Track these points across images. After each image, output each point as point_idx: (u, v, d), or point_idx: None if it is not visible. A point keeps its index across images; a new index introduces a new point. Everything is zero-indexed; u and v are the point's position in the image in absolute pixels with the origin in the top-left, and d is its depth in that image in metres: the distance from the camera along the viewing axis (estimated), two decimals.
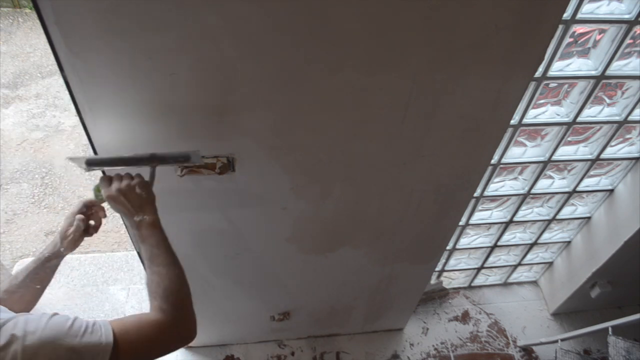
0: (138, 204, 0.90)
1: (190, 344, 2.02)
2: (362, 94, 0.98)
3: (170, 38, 0.82)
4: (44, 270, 0.98)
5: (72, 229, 0.99)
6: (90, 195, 1.17)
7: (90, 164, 0.94)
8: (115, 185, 0.90)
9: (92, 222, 1.04)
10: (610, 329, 1.70)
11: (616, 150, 1.66)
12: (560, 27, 1.18)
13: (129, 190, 0.90)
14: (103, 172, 1.02)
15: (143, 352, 0.80)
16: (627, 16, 1.19)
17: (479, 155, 1.22)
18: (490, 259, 2.16)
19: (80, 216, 1.00)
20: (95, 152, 1.03)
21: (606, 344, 1.71)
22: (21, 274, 0.97)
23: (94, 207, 1.04)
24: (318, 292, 1.75)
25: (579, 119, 1.46)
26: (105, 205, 0.98)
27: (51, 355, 0.69)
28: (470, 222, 1.88)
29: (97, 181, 0.95)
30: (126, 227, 1.09)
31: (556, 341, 1.91)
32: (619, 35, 1.24)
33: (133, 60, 0.85)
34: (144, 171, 0.97)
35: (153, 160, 0.96)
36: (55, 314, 0.75)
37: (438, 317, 2.26)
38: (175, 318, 0.85)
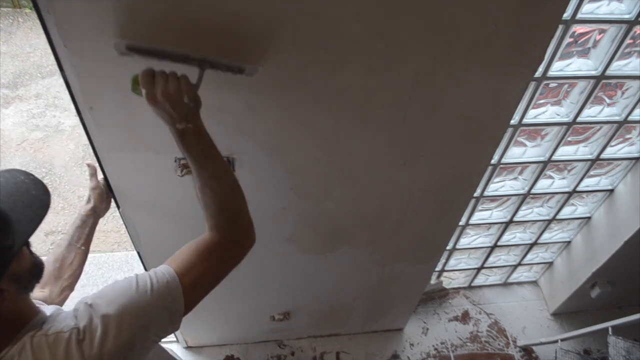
0: (183, 114, 0.77)
1: (190, 344, 2.02)
2: (362, 93, 0.98)
3: (171, 38, 0.82)
4: (83, 230, 1.06)
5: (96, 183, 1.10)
6: None
7: (131, 49, 0.78)
8: (160, 87, 0.74)
9: None
10: (610, 329, 1.70)
11: (616, 150, 1.66)
12: (560, 27, 1.18)
13: (177, 97, 0.75)
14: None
15: (210, 275, 0.80)
16: (627, 16, 1.19)
17: (479, 155, 1.22)
18: (490, 259, 2.16)
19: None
20: (95, 152, 1.03)
21: (606, 344, 1.71)
22: (63, 240, 1.04)
23: None
24: (318, 292, 1.75)
25: (579, 119, 1.46)
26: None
27: (134, 320, 0.69)
28: (470, 222, 1.88)
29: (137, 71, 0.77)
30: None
31: (556, 341, 1.91)
32: (619, 35, 1.24)
33: (133, 60, 0.85)
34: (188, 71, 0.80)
35: (204, 61, 0.81)
36: (116, 281, 0.75)
37: (438, 317, 2.26)
38: (234, 232, 0.83)
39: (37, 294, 0.95)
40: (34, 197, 0.69)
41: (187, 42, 0.81)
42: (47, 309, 0.75)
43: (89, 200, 1.11)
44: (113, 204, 1.19)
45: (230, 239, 0.82)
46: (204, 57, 0.80)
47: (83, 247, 1.05)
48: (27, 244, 0.70)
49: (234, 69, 0.84)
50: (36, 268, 0.71)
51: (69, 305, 1.01)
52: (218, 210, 0.82)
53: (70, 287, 1.04)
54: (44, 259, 0.75)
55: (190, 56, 0.80)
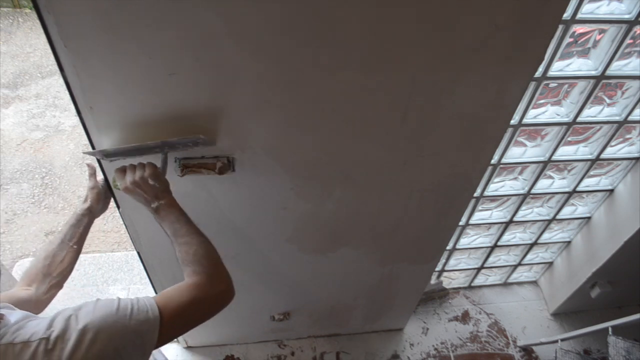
0: (153, 194, 0.93)
1: (190, 344, 2.02)
2: (362, 94, 0.98)
3: (171, 38, 0.82)
4: (77, 229, 1.08)
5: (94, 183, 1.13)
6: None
7: (108, 155, 0.97)
8: (129, 178, 0.92)
9: None
10: (610, 329, 1.70)
11: (616, 150, 1.66)
12: (560, 27, 1.18)
13: (143, 182, 0.92)
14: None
15: (187, 316, 0.83)
16: (627, 16, 1.19)
17: (479, 155, 1.22)
18: (490, 259, 2.16)
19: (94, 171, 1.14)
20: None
21: (606, 344, 1.71)
22: (56, 237, 1.05)
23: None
24: (318, 292, 1.75)
25: (579, 119, 1.46)
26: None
27: (108, 338, 0.70)
28: (470, 222, 1.88)
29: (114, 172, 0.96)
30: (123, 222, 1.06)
31: (556, 341, 1.91)
32: (619, 35, 1.24)
33: (133, 60, 0.85)
34: (157, 159, 1.00)
35: (164, 147, 0.97)
36: (99, 299, 0.77)
37: (438, 317, 2.26)
38: (211, 276, 0.87)
39: (21, 292, 0.95)
40: None
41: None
42: (13, 316, 0.74)
43: (86, 200, 1.12)
44: (112, 204, 1.19)
45: (209, 280, 0.87)
46: (164, 143, 0.95)
47: (75, 246, 1.06)
48: None
49: (189, 145, 0.99)
50: None
51: (55, 305, 1.01)
52: (195, 258, 0.88)
53: (59, 285, 1.03)
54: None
55: (151, 147, 0.95)
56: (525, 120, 1.44)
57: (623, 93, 1.46)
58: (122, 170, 0.94)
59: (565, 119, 1.46)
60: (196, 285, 0.85)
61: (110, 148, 0.96)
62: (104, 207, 1.16)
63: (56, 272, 1.01)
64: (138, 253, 1.38)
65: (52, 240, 1.05)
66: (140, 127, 1.00)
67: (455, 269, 2.23)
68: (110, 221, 2.72)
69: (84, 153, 1.07)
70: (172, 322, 0.79)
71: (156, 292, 1.61)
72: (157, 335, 0.76)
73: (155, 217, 0.94)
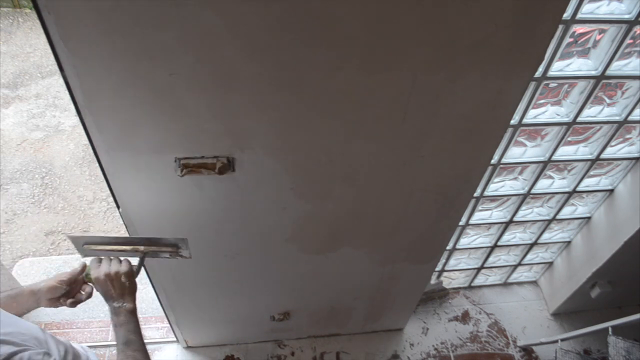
0: (120, 292, 0.96)
1: (190, 344, 2.02)
2: (362, 94, 0.98)
3: (170, 38, 0.82)
4: (13, 301, 0.94)
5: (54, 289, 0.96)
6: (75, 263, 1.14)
7: (88, 243, 1.02)
8: (104, 269, 0.96)
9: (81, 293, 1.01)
10: (610, 329, 1.70)
11: (616, 150, 1.66)
12: (560, 27, 1.18)
13: (116, 277, 0.96)
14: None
15: None
16: (627, 16, 1.19)
17: (479, 155, 1.22)
18: (490, 259, 2.16)
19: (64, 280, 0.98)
20: (95, 152, 1.03)
21: (606, 344, 1.71)
22: None
23: (79, 283, 1.00)
24: (318, 292, 1.75)
25: (579, 119, 1.46)
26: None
27: None
28: (470, 222, 1.88)
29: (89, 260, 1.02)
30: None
31: (556, 341, 1.91)
32: (619, 35, 1.24)
33: (133, 60, 0.85)
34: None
35: (144, 254, 1.05)
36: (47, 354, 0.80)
37: (438, 317, 2.26)
38: None
39: None
40: None
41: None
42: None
43: (35, 291, 0.94)
44: (113, 204, 1.19)
45: None
46: (145, 250, 1.03)
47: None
48: None
49: (167, 256, 1.07)
50: None
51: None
52: None
53: None
54: None
55: (131, 251, 1.03)
56: (525, 120, 1.44)
57: (623, 93, 1.46)
58: (98, 261, 0.99)
59: (565, 119, 1.46)
60: None
61: (91, 236, 1.02)
62: (54, 305, 0.98)
63: None
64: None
65: None
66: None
67: (455, 269, 2.23)
68: (110, 221, 2.72)
69: (68, 236, 1.08)
70: None
71: (156, 292, 1.61)
72: None
73: (111, 316, 0.96)
